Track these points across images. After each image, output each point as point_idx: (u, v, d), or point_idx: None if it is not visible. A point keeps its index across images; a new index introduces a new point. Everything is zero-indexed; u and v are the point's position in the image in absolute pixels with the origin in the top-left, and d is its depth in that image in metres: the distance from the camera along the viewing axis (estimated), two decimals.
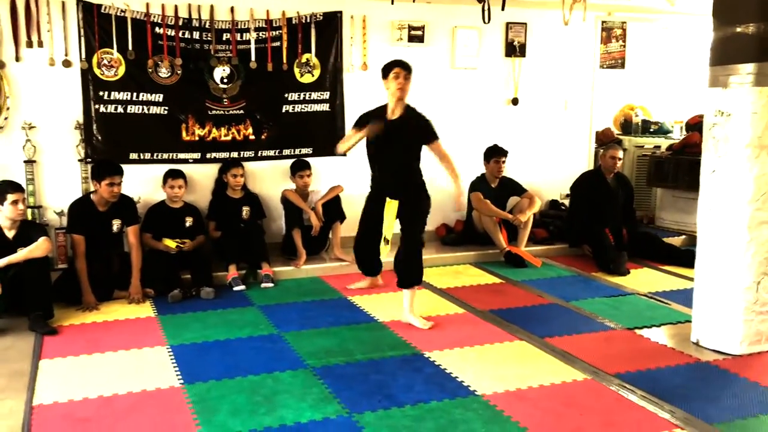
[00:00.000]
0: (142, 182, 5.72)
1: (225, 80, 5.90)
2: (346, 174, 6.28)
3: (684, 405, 3.38)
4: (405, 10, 6.22)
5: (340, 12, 6.16)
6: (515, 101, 6.87)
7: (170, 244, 5.29)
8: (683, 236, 6.89)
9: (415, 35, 6.45)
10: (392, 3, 5.81)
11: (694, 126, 7.25)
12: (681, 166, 6.99)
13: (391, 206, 4.57)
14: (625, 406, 3.40)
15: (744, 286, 3.99)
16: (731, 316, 4.03)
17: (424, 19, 6.44)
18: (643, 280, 5.71)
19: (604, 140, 7.77)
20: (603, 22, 7.14)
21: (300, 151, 6.22)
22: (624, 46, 7.41)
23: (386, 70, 4.53)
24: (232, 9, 5.84)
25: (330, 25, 6.16)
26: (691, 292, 4.36)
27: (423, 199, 4.64)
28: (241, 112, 5.99)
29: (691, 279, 4.60)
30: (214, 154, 5.95)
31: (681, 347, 4.21)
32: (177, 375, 3.73)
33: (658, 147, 7.79)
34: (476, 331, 4.45)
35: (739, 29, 3.95)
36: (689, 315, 4.43)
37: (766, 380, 3.69)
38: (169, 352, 4.08)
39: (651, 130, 8.31)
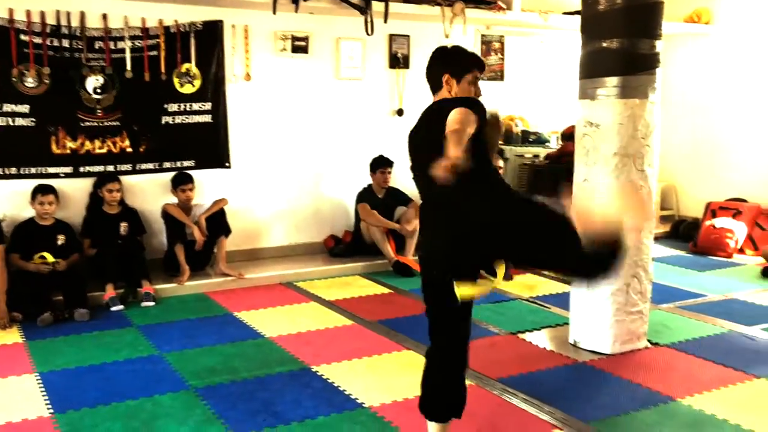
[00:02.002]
0: (8, 198, 5.36)
1: (98, 90, 5.62)
2: (230, 187, 6.15)
3: (563, 405, 3.50)
4: (288, 20, 6.17)
5: (221, 21, 6.03)
6: (400, 112, 6.95)
7: (46, 259, 4.96)
8: None
9: (299, 46, 6.40)
10: (274, 13, 5.74)
11: (569, 136, 7.57)
12: (558, 175, 7.28)
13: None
14: (508, 410, 3.48)
15: (615, 289, 4.19)
16: (604, 318, 4.21)
17: (308, 30, 6.40)
18: (526, 285, 5.89)
19: None
20: (482, 35, 7.35)
21: (181, 163, 6.02)
22: (502, 59, 7.66)
23: (467, 66, 2.92)
24: (104, 16, 5.58)
25: (210, 34, 6.01)
26: (569, 296, 4.53)
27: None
28: (117, 123, 5.73)
29: (570, 283, 4.79)
30: (87, 168, 5.65)
31: (560, 349, 4.36)
32: (47, 404, 3.50)
33: (537, 156, 8.09)
34: (365, 343, 4.43)
35: (605, 44, 4.16)
36: (568, 318, 4.60)
37: (637, 377, 3.88)
38: (37, 379, 3.82)
39: (530, 139, 8.62)
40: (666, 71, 8.22)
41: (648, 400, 3.58)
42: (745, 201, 7.36)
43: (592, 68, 4.24)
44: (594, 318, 4.28)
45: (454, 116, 2.59)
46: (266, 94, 6.33)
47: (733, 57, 7.61)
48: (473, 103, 2.77)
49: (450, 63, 2.95)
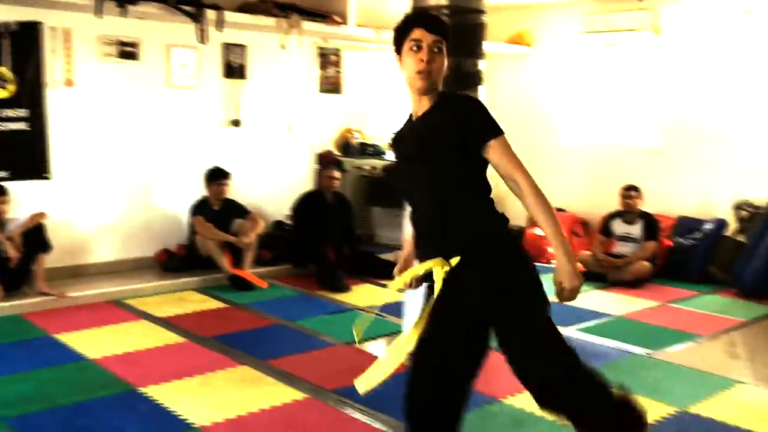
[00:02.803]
0: None
1: None
2: (52, 199, 5.73)
3: (397, 413, 3.55)
4: (115, 25, 5.87)
5: (40, 23, 5.62)
6: (237, 123, 6.83)
7: None
8: (399, 251, 7.36)
9: (128, 52, 6.11)
10: (97, 16, 5.43)
11: None
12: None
13: (437, 279, 2.35)
14: (343, 421, 3.50)
15: None
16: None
17: (137, 36, 6.13)
18: (363, 295, 5.98)
19: (325, 161, 8.04)
20: (320, 48, 7.41)
21: None
22: (339, 72, 7.76)
23: (399, 36, 2.36)
24: None
25: (27, 36, 5.58)
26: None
27: (519, 268, 2.37)
28: None
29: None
30: None
31: None
32: None
33: (374, 168, 8.27)
34: (197, 360, 4.29)
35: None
36: (403, 326, 4.71)
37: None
38: None
39: (368, 151, 8.79)
40: (491, 89, 8.73)
41: (473, 401, 3.73)
42: (564, 211, 7.94)
43: None
44: None
45: (529, 187, 2.32)
46: (91, 101, 5.98)
47: (551, 76, 8.20)
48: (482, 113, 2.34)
49: (394, 37, 2.38)
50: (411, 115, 2.43)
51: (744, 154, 6.75)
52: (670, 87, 7.27)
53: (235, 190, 6.58)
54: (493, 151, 2.31)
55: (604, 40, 7.68)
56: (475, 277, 2.30)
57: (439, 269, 2.31)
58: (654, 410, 3.65)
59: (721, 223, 6.74)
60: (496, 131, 2.32)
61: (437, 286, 2.32)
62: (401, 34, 2.34)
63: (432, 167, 2.33)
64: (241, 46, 6.79)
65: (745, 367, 4.61)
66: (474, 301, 2.31)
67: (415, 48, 2.29)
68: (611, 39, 7.63)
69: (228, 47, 6.70)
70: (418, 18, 2.37)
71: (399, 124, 2.54)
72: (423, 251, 2.43)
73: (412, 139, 2.41)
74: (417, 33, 2.30)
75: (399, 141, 2.51)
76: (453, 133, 2.28)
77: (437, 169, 2.33)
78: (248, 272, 6.14)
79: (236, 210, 6.44)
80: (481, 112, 2.34)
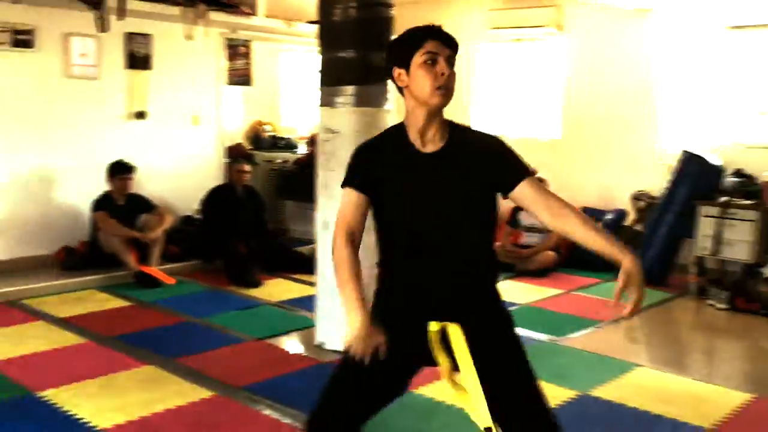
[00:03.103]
0: None
1: None
2: None
3: (305, 408, 3.53)
4: (8, 11, 5.56)
5: None
6: (142, 114, 6.61)
7: None
8: (312, 245, 7.32)
9: (22, 39, 5.81)
10: None
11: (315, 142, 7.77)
12: (306, 180, 7.41)
13: (458, 343, 2.07)
14: (252, 418, 3.45)
15: None
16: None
17: (32, 23, 5.83)
18: (274, 290, 5.91)
19: (235, 155, 7.90)
20: (228, 39, 7.26)
21: None
22: (249, 64, 7.63)
23: (408, 48, 2.11)
24: None
25: None
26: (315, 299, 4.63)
27: (512, 324, 2.28)
28: None
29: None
30: None
31: (307, 352, 4.44)
32: None
33: (286, 161, 8.18)
34: (99, 361, 4.13)
35: (341, 54, 4.31)
36: (314, 320, 4.69)
37: None
38: None
39: (280, 145, 8.70)
40: None
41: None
42: None
43: (330, 77, 4.37)
44: (339, 319, 4.39)
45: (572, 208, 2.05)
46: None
47: (459, 68, 8.32)
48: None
49: (393, 50, 2.16)
50: (409, 143, 2.12)
51: (641, 146, 7.06)
52: (572, 81, 7.53)
53: (140, 185, 6.37)
54: (527, 186, 2.09)
55: (510, 35, 7.86)
56: (487, 323, 2.15)
57: (458, 333, 2.04)
58: (557, 394, 3.77)
59: (621, 213, 7.04)
60: (528, 169, 2.14)
61: (463, 354, 2.04)
62: (410, 46, 2.09)
63: (464, 211, 2.08)
64: (146, 36, 6.57)
65: (643, 350, 4.84)
66: (483, 343, 2.09)
67: (430, 61, 2.07)
68: (517, 34, 7.82)
69: (131, 37, 6.47)
70: (431, 30, 2.12)
71: (378, 145, 2.23)
72: (403, 303, 2.15)
73: (431, 173, 2.09)
74: (431, 45, 2.07)
75: (400, 170, 2.12)
76: (488, 174, 2.08)
77: (470, 214, 2.08)
78: (154, 269, 5.96)
79: (142, 205, 6.24)
80: (510, 151, 2.15)
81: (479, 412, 2.01)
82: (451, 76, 2.09)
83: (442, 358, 2.08)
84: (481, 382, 2.03)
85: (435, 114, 2.10)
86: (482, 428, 2.00)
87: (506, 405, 2.07)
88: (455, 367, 2.08)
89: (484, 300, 2.19)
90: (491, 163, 2.10)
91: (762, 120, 6.44)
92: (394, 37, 2.28)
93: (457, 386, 2.09)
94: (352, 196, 2.11)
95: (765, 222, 5.79)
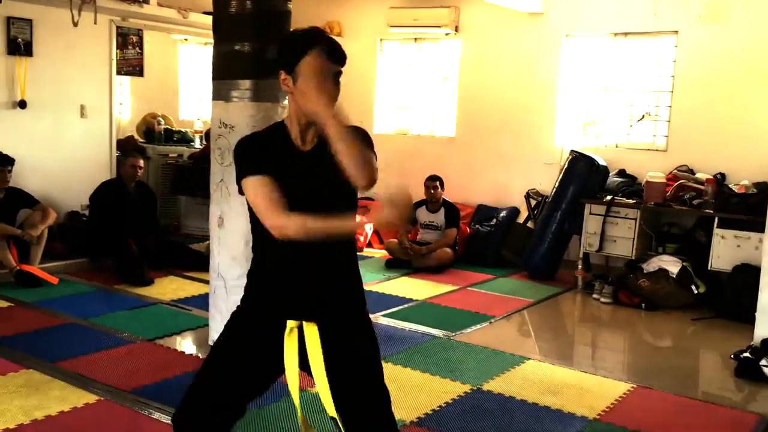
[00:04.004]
0: None
1: None
2: None
3: None
4: None
5: None
6: (23, 104, 6.23)
7: None
8: (208, 242, 7.14)
9: None
10: None
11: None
12: (201, 175, 7.22)
13: (312, 341, 2.12)
14: (139, 422, 3.32)
15: None
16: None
17: None
18: (167, 288, 5.73)
19: (127, 148, 7.59)
20: (118, 27, 6.95)
21: None
22: (140, 54, 7.34)
23: (295, 55, 2.08)
24: None
25: None
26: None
27: (369, 320, 2.29)
28: None
29: None
30: None
31: (200, 351, 4.33)
32: None
33: (181, 156, 7.94)
34: None
35: (237, 47, 4.20)
36: (209, 319, 4.57)
37: None
38: None
39: (174, 138, 8.43)
40: None
41: (276, 391, 3.71)
42: (372, 199, 8.12)
43: (226, 70, 4.25)
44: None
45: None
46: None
47: (361, 65, 8.35)
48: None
49: (282, 53, 2.12)
50: (291, 141, 2.15)
51: (533, 146, 7.31)
52: (467, 81, 7.70)
53: (22, 178, 6.01)
54: None
55: (409, 34, 7.94)
56: (348, 322, 2.20)
57: (313, 328, 2.11)
58: (450, 389, 3.85)
59: (514, 211, 7.27)
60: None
61: (315, 348, 2.10)
62: (297, 54, 2.07)
63: (334, 206, 2.10)
64: (28, 21, 6.19)
65: (533, 344, 5.01)
66: (337, 343, 2.14)
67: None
68: (415, 33, 7.92)
69: (11, 21, 6.07)
70: (320, 42, 2.09)
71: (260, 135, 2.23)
72: (277, 296, 2.16)
73: (309, 171, 2.14)
74: (319, 60, 2.07)
75: (282, 166, 2.11)
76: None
77: (339, 209, 2.11)
78: (36, 267, 5.64)
79: (22, 200, 5.88)
80: (367, 141, 2.18)
81: (326, 402, 2.09)
82: (337, 92, 2.11)
83: (291, 353, 2.11)
84: (331, 376, 2.09)
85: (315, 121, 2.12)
86: (329, 416, 2.09)
87: (348, 400, 2.13)
88: (304, 364, 2.11)
89: (347, 294, 2.22)
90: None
91: (643, 123, 6.81)
92: (287, 34, 2.22)
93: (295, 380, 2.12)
94: (258, 180, 2.07)
95: (646, 220, 6.12)
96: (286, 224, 2.02)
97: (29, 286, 5.44)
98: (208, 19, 6.39)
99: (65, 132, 6.62)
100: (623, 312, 5.68)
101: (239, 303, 2.23)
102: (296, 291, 2.14)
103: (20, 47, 6.16)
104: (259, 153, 2.13)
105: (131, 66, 7.29)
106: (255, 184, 2.07)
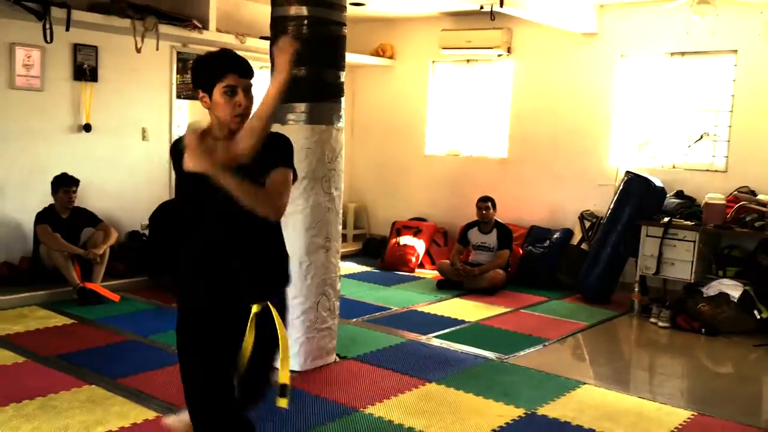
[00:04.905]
0: None
1: None
2: None
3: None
4: None
5: None
6: (87, 127, 6.47)
7: None
8: None
9: None
10: None
11: None
12: None
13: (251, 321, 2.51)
14: None
15: (306, 307, 4.33)
16: (295, 336, 4.32)
17: None
18: None
19: None
20: (178, 53, 7.17)
21: None
22: None
23: (211, 77, 2.40)
24: None
25: None
26: None
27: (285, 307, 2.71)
28: None
29: None
30: None
31: None
32: None
33: None
34: (39, 381, 3.99)
35: (293, 71, 4.28)
36: None
37: (325, 392, 4.03)
38: None
39: None
40: (356, 99, 8.86)
41: (334, 412, 3.75)
42: (425, 220, 8.14)
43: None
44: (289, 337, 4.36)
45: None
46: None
47: (412, 87, 8.41)
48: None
49: (198, 73, 2.45)
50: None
51: (587, 167, 7.22)
52: (520, 102, 7.67)
53: (86, 198, 6.23)
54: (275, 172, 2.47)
55: (461, 55, 7.97)
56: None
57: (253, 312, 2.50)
58: (504, 413, 3.81)
59: (567, 233, 7.18)
60: (286, 162, 2.54)
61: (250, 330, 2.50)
62: (212, 76, 2.38)
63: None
64: (93, 47, 6.44)
65: (588, 368, 4.92)
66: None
67: (229, 93, 2.38)
68: (467, 55, 7.94)
69: (78, 48, 6.34)
70: (230, 63, 2.40)
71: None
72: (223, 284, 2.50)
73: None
74: (231, 79, 2.37)
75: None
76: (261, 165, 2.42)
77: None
78: (98, 285, 5.82)
79: (86, 219, 6.09)
80: (284, 145, 2.56)
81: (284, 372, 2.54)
82: (249, 103, 2.43)
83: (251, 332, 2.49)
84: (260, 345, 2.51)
85: (233, 131, 2.42)
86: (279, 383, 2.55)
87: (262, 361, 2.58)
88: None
89: (270, 282, 2.58)
90: (264, 155, 2.41)
91: (702, 143, 6.67)
92: (203, 58, 2.50)
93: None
94: None
95: (705, 243, 5.98)
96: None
97: (92, 304, 5.62)
98: (265, 44, 6.54)
99: (127, 154, 6.84)
100: (682, 337, 5.54)
101: (183, 306, 2.59)
102: (234, 282, 2.49)
103: (86, 73, 6.41)
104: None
105: (190, 90, 7.49)
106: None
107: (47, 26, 5.50)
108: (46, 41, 5.55)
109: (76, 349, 4.59)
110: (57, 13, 5.57)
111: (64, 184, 5.93)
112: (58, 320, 5.23)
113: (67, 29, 5.68)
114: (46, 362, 4.32)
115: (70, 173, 6.02)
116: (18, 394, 3.78)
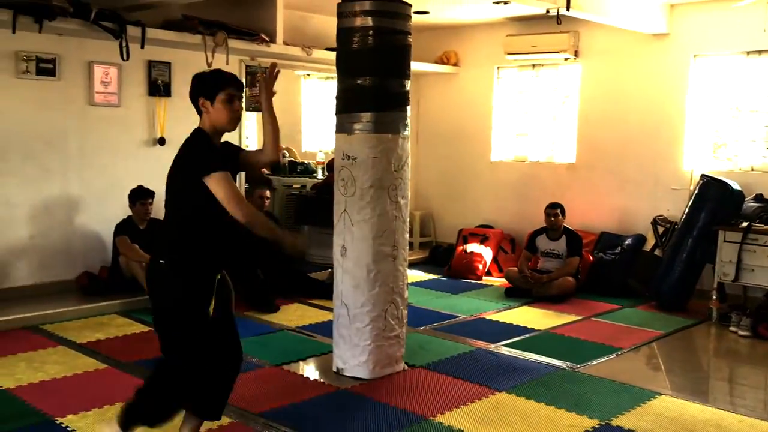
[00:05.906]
0: None
1: None
2: None
3: None
4: (31, 40, 5.67)
5: None
6: (162, 141, 6.69)
7: None
8: (330, 270, 7.33)
9: (45, 68, 5.92)
10: (14, 32, 5.25)
11: (333, 167, 7.81)
12: (323, 205, 7.45)
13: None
14: None
15: (374, 315, 4.35)
16: (364, 344, 4.35)
17: (55, 52, 5.95)
18: (292, 315, 5.92)
19: (255, 180, 7.95)
20: (247, 66, 7.35)
21: None
22: None
23: (214, 88, 3.05)
24: None
25: None
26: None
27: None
28: None
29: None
30: None
31: (324, 378, 4.43)
32: None
33: (304, 186, 8.23)
34: (120, 387, 4.12)
35: (359, 81, 4.35)
36: (332, 345, 4.68)
37: (393, 400, 4.04)
38: None
39: (298, 170, 8.76)
40: (420, 107, 8.87)
41: (403, 421, 3.75)
42: (491, 227, 8.08)
43: (348, 104, 4.41)
44: (355, 345, 4.40)
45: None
46: (6, 117, 5.76)
47: (477, 93, 8.36)
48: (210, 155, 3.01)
49: (202, 86, 3.09)
50: (213, 144, 3.10)
51: (660, 171, 7.03)
52: (588, 106, 7.53)
53: (161, 210, 6.41)
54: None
55: (527, 60, 7.89)
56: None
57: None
58: (577, 423, 3.73)
59: (640, 239, 6.99)
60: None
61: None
62: (216, 87, 3.03)
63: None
64: (166, 63, 6.67)
65: (664, 378, 4.78)
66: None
67: (229, 101, 3.03)
68: (533, 60, 7.85)
69: (152, 64, 6.57)
70: (229, 79, 3.08)
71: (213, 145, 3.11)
72: (216, 264, 3.17)
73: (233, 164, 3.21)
74: (231, 90, 3.05)
75: (227, 160, 3.10)
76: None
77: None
78: None
79: None
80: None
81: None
82: (240, 110, 3.14)
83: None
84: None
85: (223, 133, 3.12)
86: None
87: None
88: None
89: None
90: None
91: None
92: (204, 74, 3.14)
93: None
94: (226, 174, 2.95)
95: None
96: (250, 212, 2.97)
97: None
98: (331, 55, 6.64)
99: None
100: (764, 346, 5.31)
101: (194, 280, 3.12)
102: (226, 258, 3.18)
103: (160, 88, 6.64)
104: (220, 152, 3.07)
105: (258, 102, 7.64)
106: (226, 177, 2.94)
107: (123, 44, 5.72)
108: (122, 59, 5.77)
109: (153, 356, 4.71)
110: (132, 31, 5.79)
111: (141, 196, 6.15)
112: (137, 328, 5.41)
113: (142, 47, 5.90)
114: (126, 368, 4.48)
115: (146, 185, 6.23)
116: (101, 399, 3.93)
